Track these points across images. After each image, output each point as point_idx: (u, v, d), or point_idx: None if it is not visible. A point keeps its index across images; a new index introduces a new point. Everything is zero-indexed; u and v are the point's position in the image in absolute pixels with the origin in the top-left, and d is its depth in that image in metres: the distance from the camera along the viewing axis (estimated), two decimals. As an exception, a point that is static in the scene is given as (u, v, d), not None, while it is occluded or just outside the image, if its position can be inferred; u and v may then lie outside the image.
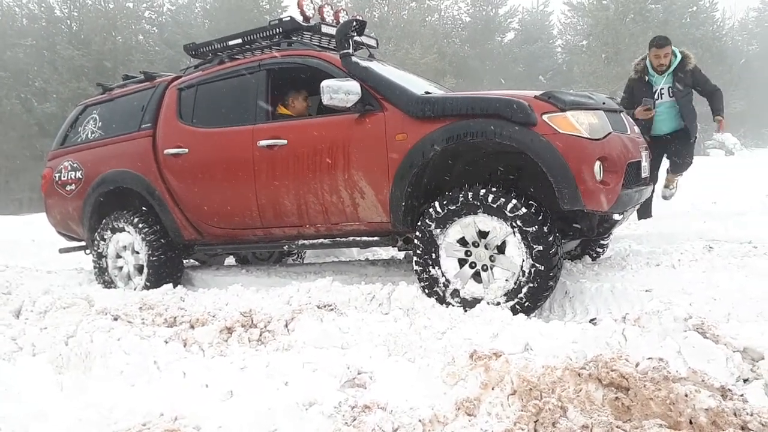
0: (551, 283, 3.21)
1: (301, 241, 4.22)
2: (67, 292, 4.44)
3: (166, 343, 2.91)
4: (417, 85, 4.07)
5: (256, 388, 2.12)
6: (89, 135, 5.30)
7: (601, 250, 4.54)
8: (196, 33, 25.64)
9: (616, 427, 1.68)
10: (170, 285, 4.54)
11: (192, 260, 5.49)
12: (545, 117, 3.17)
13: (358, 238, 4.01)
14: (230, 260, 6.10)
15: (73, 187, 5.22)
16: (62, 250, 5.85)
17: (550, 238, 3.16)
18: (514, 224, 3.19)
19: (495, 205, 3.22)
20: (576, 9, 32.91)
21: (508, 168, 3.64)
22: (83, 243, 5.52)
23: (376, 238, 3.98)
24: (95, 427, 1.86)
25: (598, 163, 3.16)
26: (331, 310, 3.20)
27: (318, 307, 3.21)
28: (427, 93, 3.74)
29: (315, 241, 4.17)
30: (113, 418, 1.91)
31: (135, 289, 4.75)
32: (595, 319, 2.93)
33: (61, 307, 3.78)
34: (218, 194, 4.37)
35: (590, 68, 27.71)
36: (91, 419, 1.90)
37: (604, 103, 3.54)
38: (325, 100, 3.63)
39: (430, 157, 3.46)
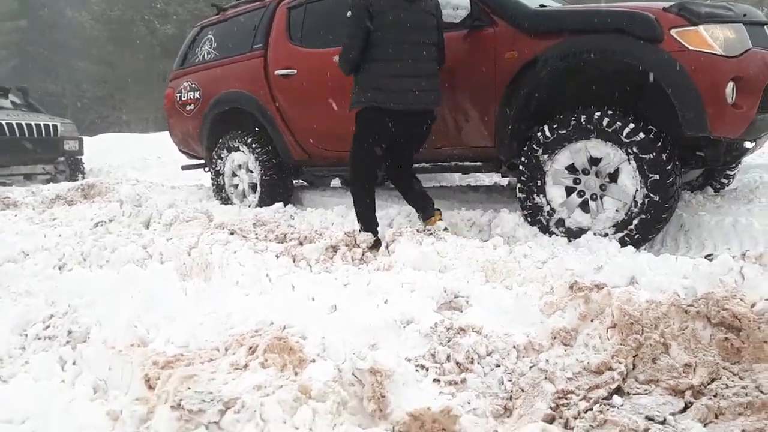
0: (666, 215, 3.02)
1: (403, 164, 4.23)
2: (189, 207, 4.79)
3: (277, 257, 3.11)
4: (530, -2, 3.81)
5: (358, 304, 2.22)
6: (206, 56, 5.52)
7: (726, 181, 4.18)
8: (305, -51, 25.36)
9: (723, 368, 1.60)
10: (281, 203, 4.78)
11: (301, 181, 5.71)
12: (674, 32, 2.88)
13: (460, 163, 3.96)
14: (336, 182, 6.28)
15: (192, 107, 5.52)
16: (184, 168, 6.29)
17: (669, 167, 2.95)
18: (630, 151, 3.00)
19: (610, 130, 3.03)
20: None
21: (629, 89, 3.38)
22: (203, 161, 5.89)
23: (479, 163, 3.91)
24: (215, 330, 2.04)
25: (731, 83, 2.85)
26: (430, 234, 3.24)
27: (417, 231, 3.26)
28: (542, 6, 3.49)
29: (416, 165, 4.17)
30: (230, 324, 2.09)
31: (249, 206, 5.05)
32: (711, 255, 2.74)
33: (184, 220, 4.12)
34: (324, 116, 4.44)
35: (734, -27, 24.40)
36: (211, 324, 2.09)
37: (745, 15, 3.13)
38: (432, 16, 3.50)
39: (541, 77, 3.28)
